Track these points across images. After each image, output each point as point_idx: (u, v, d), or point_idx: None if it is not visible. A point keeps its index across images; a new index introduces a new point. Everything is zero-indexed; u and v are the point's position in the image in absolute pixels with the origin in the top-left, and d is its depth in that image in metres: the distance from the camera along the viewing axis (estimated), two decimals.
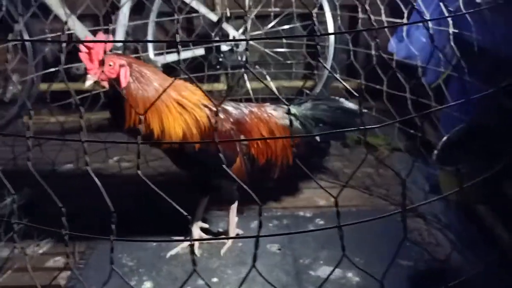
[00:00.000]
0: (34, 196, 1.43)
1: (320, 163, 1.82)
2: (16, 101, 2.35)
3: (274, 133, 1.31)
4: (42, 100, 2.23)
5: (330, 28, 2.24)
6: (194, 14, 2.28)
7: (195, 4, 2.18)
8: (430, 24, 1.21)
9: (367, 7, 0.69)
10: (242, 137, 1.22)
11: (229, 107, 1.24)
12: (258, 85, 2.40)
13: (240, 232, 1.44)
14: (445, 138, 1.17)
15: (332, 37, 2.26)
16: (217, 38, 2.17)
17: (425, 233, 1.43)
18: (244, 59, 2.28)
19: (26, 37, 2.38)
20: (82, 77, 2.11)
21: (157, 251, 1.38)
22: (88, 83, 1.00)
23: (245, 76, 2.34)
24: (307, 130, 1.37)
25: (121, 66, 1.04)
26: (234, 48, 2.26)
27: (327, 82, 2.30)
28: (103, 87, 1.05)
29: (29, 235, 1.38)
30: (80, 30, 2.09)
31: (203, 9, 2.22)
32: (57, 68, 1.80)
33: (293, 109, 1.38)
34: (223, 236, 1.42)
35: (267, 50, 2.36)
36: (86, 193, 1.26)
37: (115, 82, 1.02)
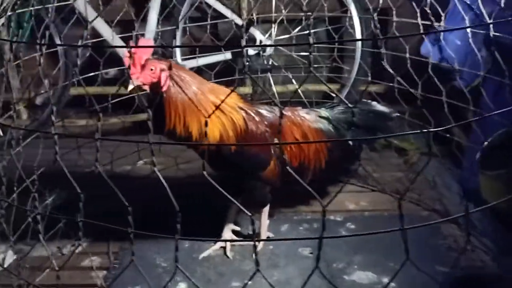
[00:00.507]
0: (70, 197, 1.46)
1: (350, 167, 1.81)
2: (47, 105, 2.41)
3: (307, 137, 1.31)
4: (72, 104, 2.29)
5: (358, 31, 2.23)
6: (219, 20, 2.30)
7: (222, 9, 2.20)
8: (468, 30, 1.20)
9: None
10: (275, 140, 1.22)
11: (263, 110, 1.24)
12: (283, 89, 2.41)
13: (271, 235, 1.45)
14: (487, 142, 1.15)
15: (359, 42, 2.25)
16: (244, 43, 2.19)
17: (461, 239, 1.41)
18: (270, 63, 2.31)
19: (57, 42, 2.44)
20: (118, 81, 2.17)
21: (190, 253, 1.39)
22: (131, 86, 1.03)
23: (271, 80, 2.35)
24: (340, 133, 1.37)
25: (161, 70, 1.06)
26: (261, 52, 2.28)
27: (354, 85, 2.29)
28: (144, 90, 1.07)
29: (66, 235, 1.41)
30: (108, 35, 2.14)
31: (230, 14, 2.24)
32: (92, 74, 1.83)
33: (326, 113, 1.38)
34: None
35: (293, 54, 2.36)
36: (121, 194, 1.28)
37: (156, 86, 1.04)
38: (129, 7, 2.21)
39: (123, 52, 2.12)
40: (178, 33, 2.29)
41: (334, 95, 2.34)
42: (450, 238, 1.42)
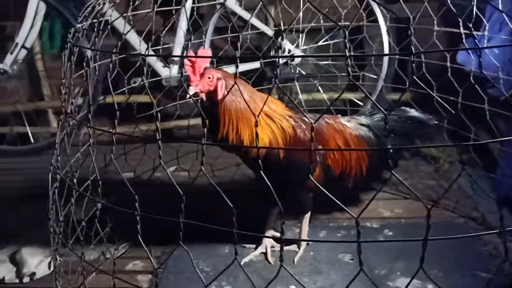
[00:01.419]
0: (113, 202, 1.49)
1: (382, 174, 1.82)
2: (77, 113, 2.46)
3: (349, 144, 1.32)
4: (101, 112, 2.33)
5: (385, 41, 2.26)
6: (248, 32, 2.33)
7: (253, 20, 2.23)
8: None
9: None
10: (320, 147, 1.24)
11: (308, 118, 1.26)
12: (309, 97, 2.43)
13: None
14: None
15: (386, 50, 2.27)
16: (273, 52, 2.22)
17: (500, 246, 1.41)
18: (297, 72, 2.34)
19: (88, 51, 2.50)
20: (144, 90, 2.21)
21: (231, 258, 1.40)
22: (191, 93, 1.06)
23: (297, 88, 2.38)
24: (381, 141, 1.38)
25: (218, 79, 1.09)
26: (289, 61, 2.31)
27: (380, 93, 2.31)
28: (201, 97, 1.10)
29: (108, 240, 1.43)
30: (137, 45, 2.18)
31: (260, 25, 2.27)
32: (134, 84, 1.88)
33: (366, 120, 1.40)
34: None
35: (320, 63, 2.39)
36: (157, 199, 1.32)
37: (212, 94, 1.07)
38: (157, 17, 2.28)
39: (154, 63, 2.20)
40: (207, 45, 2.33)
41: (361, 103, 2.37)
42: (490, 244, 1.42)
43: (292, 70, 2.34)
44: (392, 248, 1.39)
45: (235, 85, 1.01)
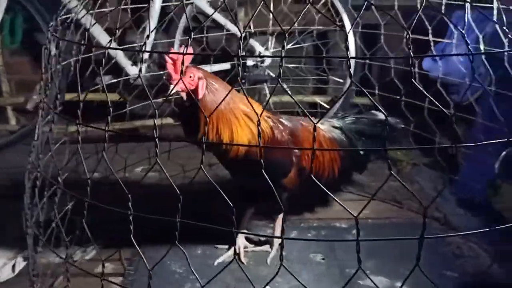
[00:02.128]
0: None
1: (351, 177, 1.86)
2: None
3: (322, 146, 1.35)
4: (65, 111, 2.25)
5: (352, 45, 2.31)
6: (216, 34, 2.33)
7: (223, 21, 2.23)
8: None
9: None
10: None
11: (284, 120, 1.28)
12: (277, 99, 2.46)
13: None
14: (504, 152, 1.22)
15: (353, 53, 2.33)
16: (243, 53, 2.24)
17: (464, 246, 1.48)
18: (267, 73, 2.36)
19: (52, 47, 2.41)
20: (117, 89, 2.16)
21: (204, 259, 1.40)
22: (171, 92, 1.04)
23: (267, 90, 2.40)
24: (352, 143, 1.42)
25: (199, 78, 1.08)
26: (259, 64, 2.32)
27: (348, 96, 2.37)
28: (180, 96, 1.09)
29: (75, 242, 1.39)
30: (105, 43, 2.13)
31: (230, 26, 2.28)
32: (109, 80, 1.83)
33: (339, 123, 1.43)
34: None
35: (289, 66, 2.42)
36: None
37: (192, 93, 1.06)
38: (125, 14, 2.23)
39: (122, 61, 2.16)
40: (176, 44, 2.30)
41: (327, 106, 2.42)
42: (453, 244, 1.49)
43: (262, 72, 2.35)
44: (363, 247, 1.42)
45: (216, 85, 1.01)
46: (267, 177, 1.10)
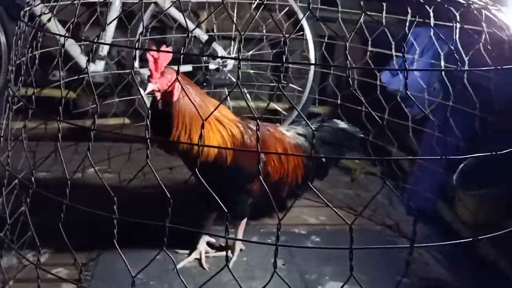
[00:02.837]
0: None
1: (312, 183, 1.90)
2: None
3: (287, 152, 1.37)
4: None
5: (312, 55, 2.36)
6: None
7: (185, 23, 2.20)
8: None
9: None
10: (263, 155, 1.27)
11: (252, 125, 1.28)
12: (237, 104, 2.46)
13: (243, 247, 1.48)
14: (463, 163, 1.29)
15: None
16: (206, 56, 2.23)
17: (415, 253, 1.55)
18: (228, 78, 2.36)
19: (2, 37, 2.28)
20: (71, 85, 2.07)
21: (164, 265, 1.37)
22: (149, 90, 1.02)
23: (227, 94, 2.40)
24: (315, 150, 1.45)
25: (176, 80, 1.06)
26: (221, 68, 2.32)
27: (306, 105, 2.42)
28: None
29: (28, 245, 1.32)
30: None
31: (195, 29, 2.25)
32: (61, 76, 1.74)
33: (303, 130, 1.46)
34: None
35: (251, 71, 2.44)
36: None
37: (168, 94, 1.04)
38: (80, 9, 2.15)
39: (77, 56, 2.08)
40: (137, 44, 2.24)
41: (286, 113, 2.45)
42: (404, 251, 1.55)
43: (223, 76, 2.35)
44: (322, 253, 1.46)
45: (190, 88, 1.00)
46: (233, 182, 1.11)
